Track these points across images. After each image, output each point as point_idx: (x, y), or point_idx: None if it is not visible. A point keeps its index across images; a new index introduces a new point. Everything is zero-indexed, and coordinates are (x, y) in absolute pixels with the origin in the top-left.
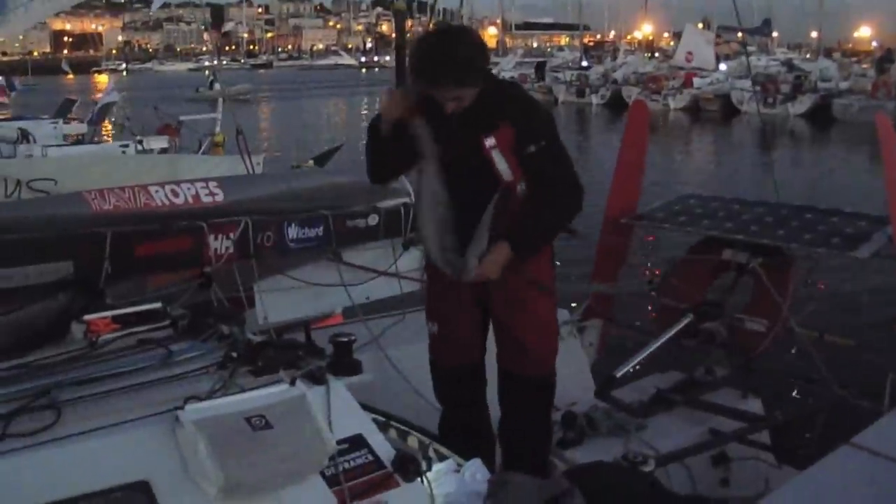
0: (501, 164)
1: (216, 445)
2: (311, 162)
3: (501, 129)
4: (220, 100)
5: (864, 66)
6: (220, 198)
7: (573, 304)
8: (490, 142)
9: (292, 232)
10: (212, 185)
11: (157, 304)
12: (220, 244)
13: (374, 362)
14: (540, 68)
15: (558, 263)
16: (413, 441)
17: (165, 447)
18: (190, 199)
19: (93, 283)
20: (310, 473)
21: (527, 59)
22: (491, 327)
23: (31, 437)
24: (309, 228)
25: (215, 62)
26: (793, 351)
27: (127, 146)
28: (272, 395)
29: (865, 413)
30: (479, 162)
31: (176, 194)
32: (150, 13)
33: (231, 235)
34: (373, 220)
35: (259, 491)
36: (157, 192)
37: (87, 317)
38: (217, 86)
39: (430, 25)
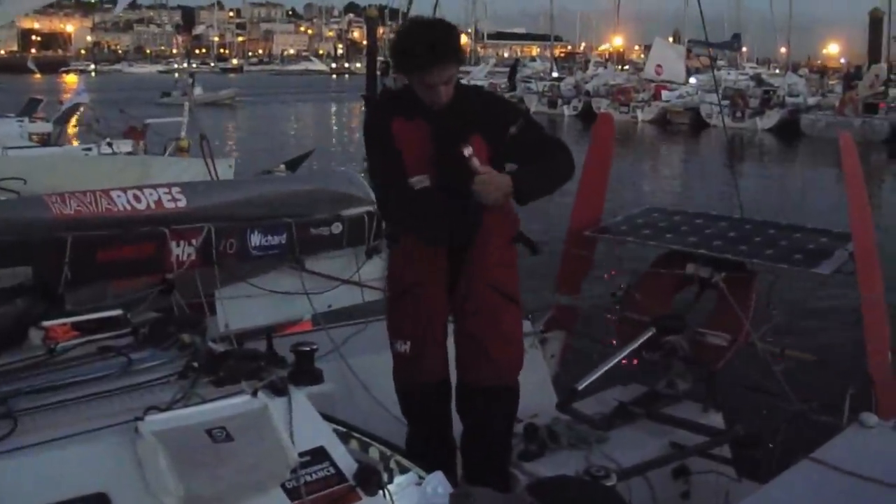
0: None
1: (176, 457)
2: (282, 166)
3: (475, 139)
4: (186, 104)
5: (832, 82)
6: (182, 204)
7: (535, 316)
8: (468, 151)
9: (255, 239)
10: (175, 190)
11: (118, 311)
12: (182, 250)
13: (336, 371)
14: (512, 72)
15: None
16: (374, 452)
17: (124, 459)
18: (153, 205)
19: (52, 289)
20: (271, 486)
21: (498, 69)
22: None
23: None
24: (272, 236)
25: (185, 65)
26: (754, 365)
27: (90, 149)
28: (233, 407)
29: (825, 428)
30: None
31: (138, 199)
32: (117, 14)
33: (193, 242)
34: (336, 228)
35: (220, 503)
36: (119, 196)
37: (45, 323)
38: (198, 89)
39: None
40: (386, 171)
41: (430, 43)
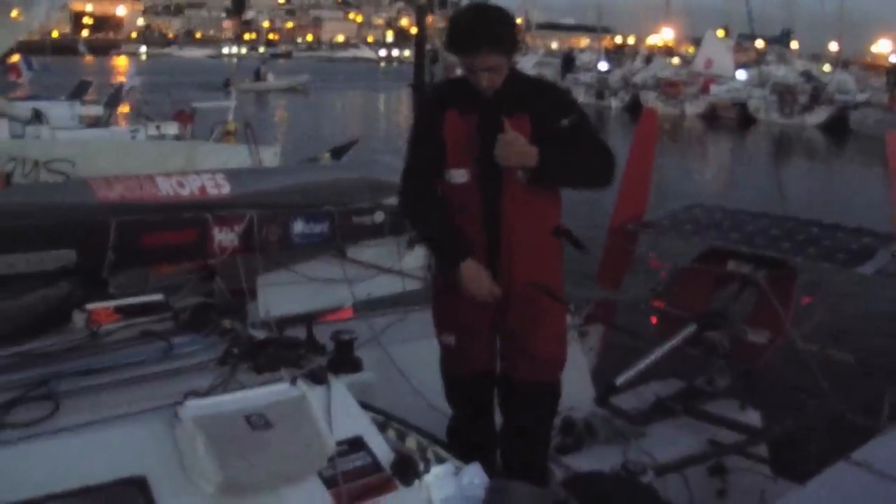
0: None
1: (215, 443)
2: (327, 155)
3: (519, 117)
4: (234, 89)
5: (883, 79)
6: (226, 190)
7: (575, 309)
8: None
9: (297, 227)
10: (218, 177)
11: (160, 296)
12: (224, 237)
13: (375, 360)
14: (566, 63)
15: None
16: (412, 442)
17: (163, 443)
18: (196, 191)
19: (95, 273)
20: (308, 474)
21: (547, 60)
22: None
23: (28, 428)
24: (314, 224)
25: (234, 49)
26: (793, 364)
27: (137, 131)
28: (273, 395)
29: (863, 429)
30: None
31: (182, 185)
32: None
33: (236, 228)
34: (378, 217)
35: (256, 490)
36: (163, 182)
37: (88, 306)
38: (270, 76)
39: None
40: (415, 163)
41: (475, 28)
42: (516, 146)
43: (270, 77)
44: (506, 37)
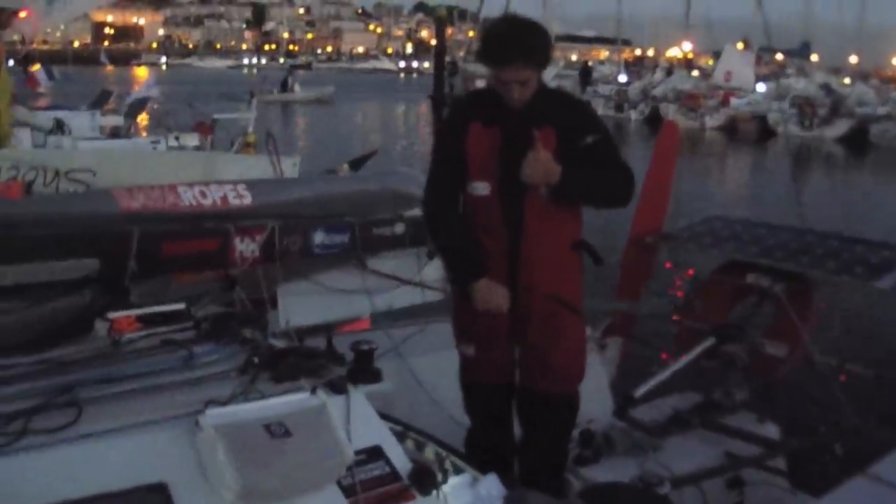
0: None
1: (235, 451)
2: (346, 166)
3: (545, 131)
4: (255, 100)
5: None
6: (247, 201)
7: (594, 322)
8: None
9: (318, 237)
10: (240, 187)
11: (181, 305)
12: (245, 247)
13: (395, 371)
14: (584, 75)
15: None
16: (430, 452)
17: (184, 450)
18: (218, 201)
19: (118, 282)
20: (327, 483)
21: (566, 72)
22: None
23: (52, 434)
24: (335, 234)
25: (255, 60)
26: (812, 378)
27: (158, 142)
28: (292, 404)
29: (882, 443)
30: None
31: (204, 195)
32: (192, 9)
33: (257, 239)
34: (399, 228)
35: (275, 498)
36: (185, 192)
37: (111, 315)
38: (297, 87)
39: (471, 34)
40: (438, 173)
41: (508, 40)
42: (543, 164)
43: (297, 88)
44: (538, 50)
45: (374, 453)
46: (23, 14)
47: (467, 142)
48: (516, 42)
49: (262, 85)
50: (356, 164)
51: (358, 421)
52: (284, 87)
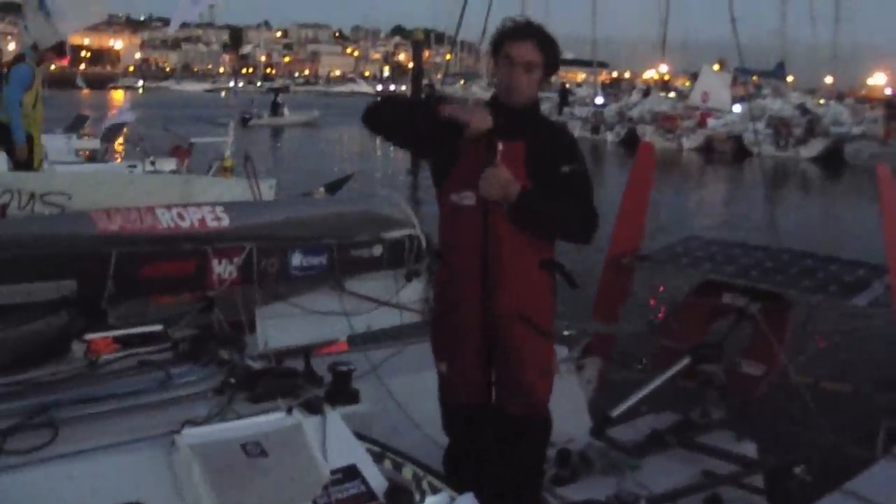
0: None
1: (211, 471)
2: (322, 190)
3: (514, 144)
4: (232, 123)
5: (877, 111)
6: (225, 223)
7: (572, 342)
8: (501, 147)
9: (296, 259)
10: (218, 209)
11: (159, 327)
12: (223, 269)
13: (373, 392)
14: (562, 98)
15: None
16: (407, 472)
17: (161, 470)
18: (196, 223)
19: (95, 303)
20: (302, 502)
21: (544, 95)
22: None
23: (28, 454)
24: (313, 256)
25: (231, 84)
26: (789, 396)
27: (135, 166)
28: (268, 423)
29: (858, 460)
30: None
31: (182, 217)
32: (169, 32)
33: (235, 260)
34: (377, 250)
35: None
36: (163, 214)
37: (88, 336)
38: (286, 111)
39: (448, 57)
40: (416, 102)
41: (525, 22)
42: (500, 179)
43: (286, 112)
44: (549, 42)
45: (350, 473)
46: None
47: (461, 148)
48: (530, 24)
49: (251, 108)
50: (332, 188)
51: (334, 441)
52: (274, 110)
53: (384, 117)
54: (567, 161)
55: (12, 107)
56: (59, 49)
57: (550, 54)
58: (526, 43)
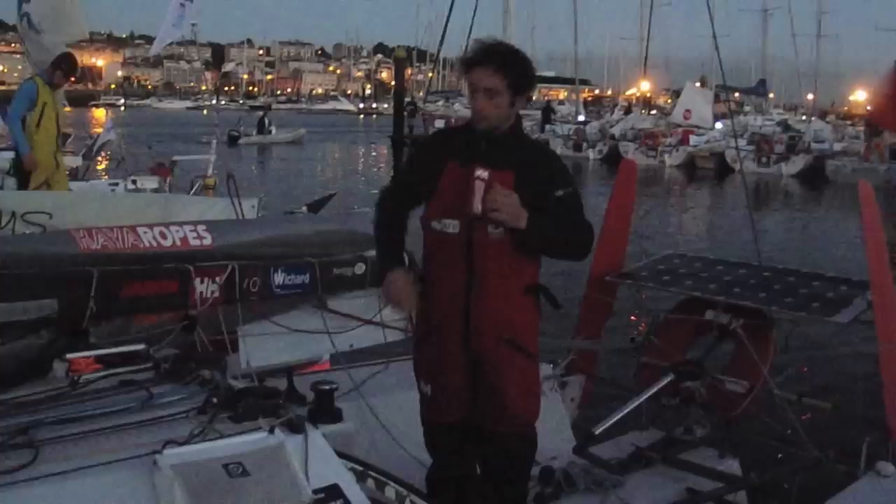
0: (479, 195)
1: (193, 491)
2: (304, 209)
3: (502, 173)
4: (215, 141)
5: (858, 128)
6: (207, 241)
7: (555, 360)
8: (481, 173)
9: (278, 278)
10: (200, 228)
11: (141, 346)
12: (206, 288)
13: (356, 411)
14: (545, 115)
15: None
16: (390, 491)
17: (142, 490)
18: (178, 242)
19: (77, 322)
20: None
21: (526, 112)
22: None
23: (8, 475)
24: (295, 275)
25: (214, 101)
26: (772, 412)
27: (116, 184)
28: (250, 443)
29: (841, 476)
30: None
31: (164, 236)
32: (153, 54)
33: (217, 279)
34: (359, 268)
35: None
36: (145, 233)
37: (69, 355)
38: (273, 129)
39: (430, 75)
40: (404, 182)
41: (483, 47)
42: (513, 205)
43: (274, 130)
44: (510, 62)
45: (332, 492)
46: None
47: (443, 178)
48: (490, 47)
49: (237, 126)
50: (315, 207)
51: (316, 460)
52: (261, 128)
53: (393, 218)
54: (561, 185)
55: (12, 121)
56: (70, 67)
57: (515, 75)
58: (485, 68)
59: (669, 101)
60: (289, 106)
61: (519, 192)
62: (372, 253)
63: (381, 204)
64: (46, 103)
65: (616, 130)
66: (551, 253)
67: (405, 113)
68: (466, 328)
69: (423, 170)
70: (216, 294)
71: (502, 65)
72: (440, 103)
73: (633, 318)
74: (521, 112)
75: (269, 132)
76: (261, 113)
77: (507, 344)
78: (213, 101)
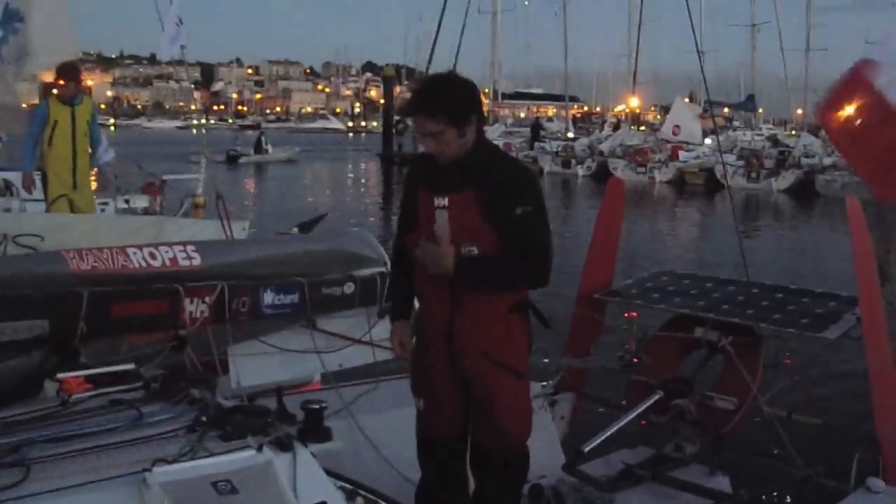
0: (442, 225)
1: None
2: (295, 230)
3: (462, 195)
4: (204, 160)
5: None
6: (197, 262)
7: (545, 378)
8: (440, 202)
9: (268, 297)
10: (189, 248)
11: (131, 366)
12: (195, 307)
13: (346, 430)
14: (534, 132)
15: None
16: None
17: None
18: (167, 262)
19: (68, 342)
20: None
21: (514, 129)
22: None
23: None
24: (284, 295)
25: (203, 121)
26: (761, 429)
27: (107, 204)
28: (239, 461)
29: (832, 492)
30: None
31: (154, 257)
32: (140, 70)
33: (207, 299)
34: (348, 288)
35: None
36: (134, 253)
37: (60, 375)
38: (270, 148)
39: None
40: (399, 225)
41: (418, 93)
42: (433, 255)
43: (270, 149)
44: (448, 104)
45: None
46: None
47: (417, 206)
48: (422, 95)
49: (234, 145)
50: (306, 227)
51: (304, 478)
52: (258, 148)
53: (397, 267)
54: (520, 202)
55: (24, 141)
56: (59, 71)
57: (450, 114)
58: (418, 118)
59: (658, 117)
60: (278, 125)
61: (480, 210)
62: (361, 272)
63: (393, 251)
64: (58, 121)
65: (605, 147)
66: (495, 289)
67: (394, 131)
68: (451, 346)
69: (406, 202)
70: (206, 314)
71: (434, 110)
72: None
73: (623, 335)
74: (512, 130)
75: (266, 151)
76: (257, 132)
77: (492, 362)
78: (203, 121)
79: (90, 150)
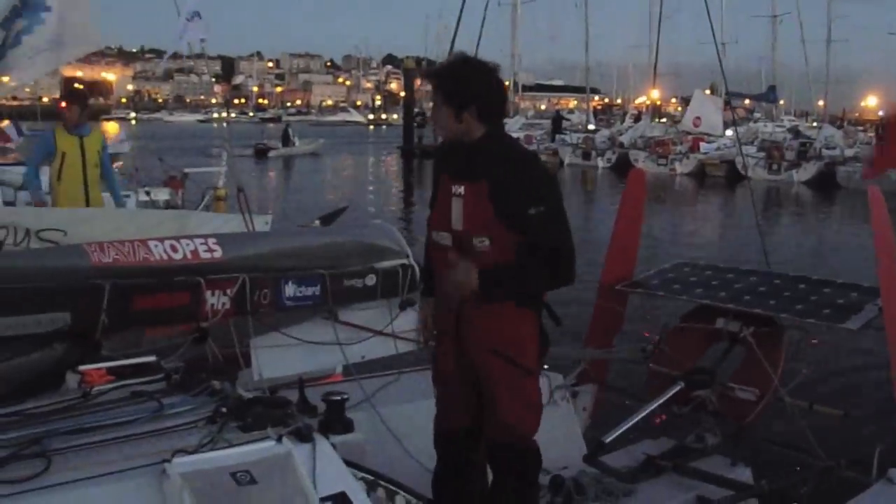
0: (457, 212)
1: (201, 499)
2: (317, 222)
3: (477, 185)
4: (225, 153)
5: (870, 134)
6: (218, 254)
7: (567, 369)
8: (457, 189)
9: (289, 290)
10: (211, 241)
11: (152, 358)
12: (217, 300)
13: (368, 421)
14: (556, 124)
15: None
16: (401, 501)
17: (152, 499)
18: (189, 255)
19: (89, 335)
20: None
21: (535, 121)
22: None
23: (20, 484)
24: (306, 287)
25: (224, 114)
26: (783, 420)
27: (128, 196)
28: (258, 452)
29: (853, 484)
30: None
31: (175, 249)
32: (161, 64)
33: (228, 292)
34: (370, 280)
35: None
36: (156, 246)
37: (82, 367)
38: (297, 141)
39: None
40: (430, 205)
41: (439, 64)
42: (455, 283)
43: (297, 142)
44: (441, 77)
45: (340, 501)
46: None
47: (438, 192)
48: (440, 66)
49: (262, 139)
50: (327, 221)
51: (324, 469)
52: (286, 140)
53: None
54: (534, 203)
55: (26, 170)
56: (65, 94)
57: (445, 92)
58: (431, 83)
59: (679, 108)
60: (299, 118)
61: (493, 202)
62: (383, 264)
63: (427, 230)
64: (66, 153)
65: (625, 139)
66: (524, 293)
67: (415, 123)
68: (460, 340)
69: (434, 184)
70: (227, 306)
71: (435, 82)
72: None
73: (644, 326)
74: (532, 122)
75: (293, 144)
76: (282, 125)
77: (497, 355)
78: (224, 114)
79: (110, 191)
